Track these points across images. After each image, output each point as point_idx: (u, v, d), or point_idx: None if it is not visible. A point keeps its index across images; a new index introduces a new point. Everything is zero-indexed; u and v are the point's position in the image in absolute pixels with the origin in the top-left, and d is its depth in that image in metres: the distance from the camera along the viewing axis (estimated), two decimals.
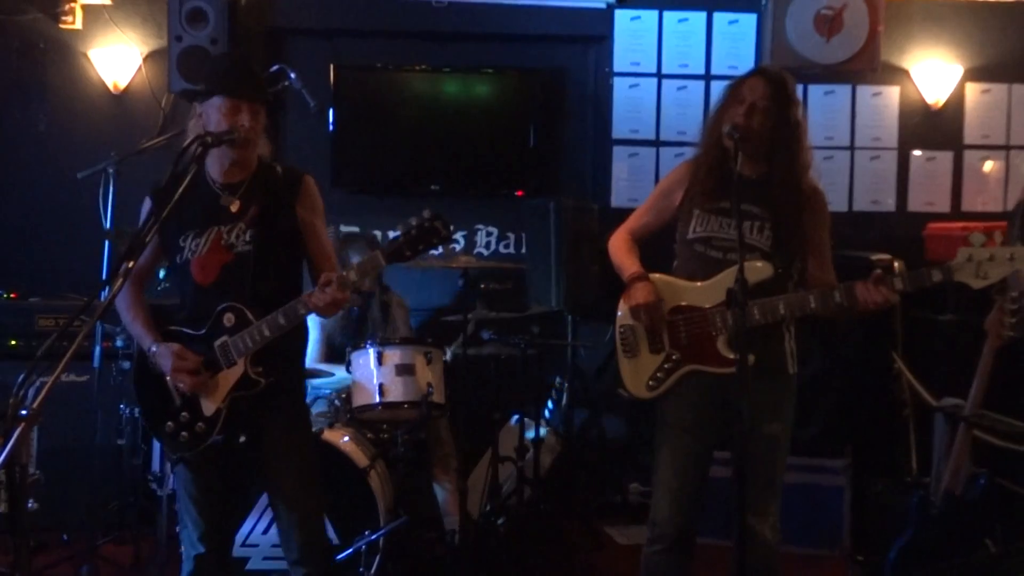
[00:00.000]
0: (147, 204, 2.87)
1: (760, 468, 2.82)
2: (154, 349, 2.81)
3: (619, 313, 3.05)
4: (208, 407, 2.80)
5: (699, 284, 2.93)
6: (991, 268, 2.60)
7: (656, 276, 3.00)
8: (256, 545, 3.69)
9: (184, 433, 2.81)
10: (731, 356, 2.84)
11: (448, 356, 4.25)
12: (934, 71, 5.51)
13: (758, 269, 2.80)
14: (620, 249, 3.11)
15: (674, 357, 2.94)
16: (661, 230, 3.12)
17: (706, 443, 2.99)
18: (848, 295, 2.72)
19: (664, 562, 2.98)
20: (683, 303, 2.94)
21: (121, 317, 2.95)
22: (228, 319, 2.76)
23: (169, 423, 2.83)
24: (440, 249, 4.71)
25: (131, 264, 2.31)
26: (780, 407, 2.93)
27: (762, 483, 2.85)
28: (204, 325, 2.80)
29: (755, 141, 2.83)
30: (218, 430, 2.79)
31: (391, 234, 5.22)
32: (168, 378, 2.80)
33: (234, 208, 2.80)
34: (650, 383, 2.98)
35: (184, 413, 2.81)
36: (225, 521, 2.96)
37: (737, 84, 2.94)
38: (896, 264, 4.68)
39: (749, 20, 5.46)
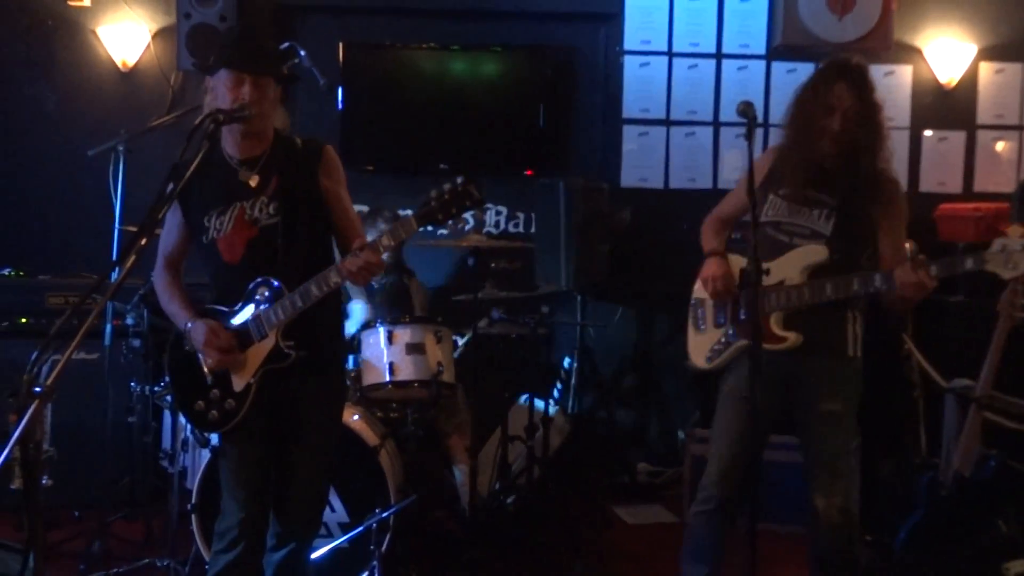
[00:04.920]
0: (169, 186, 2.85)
1: (820, 445, 2.96)
2: (190, 326, 2.80)
3: (695, 287, 3.23)
4: (238, 383, 2.79)
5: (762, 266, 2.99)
6: (1021, 259, 2.62)
7: (732, 255, 3.15)
8: None
9: (214, 412, 2.81)
10: (781, 334, 2.95)
11: (458, 347, 4.24)
12: (947, 50, 5.47)
13: (814, 251, 2.91)
14: (705, 229, 3.25)
15: (731, 332, 3.11)
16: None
17: (761, 417, 2.98)
18: (887, 279, 2.78)
19: (705, 523, 3.11)
20: None
21: (159, 300, 2.95)
22: (261, 293, 2.75)
23: (199, 402, 2.82)
24: (469, 220, 4.74)
25: (144, 242, 2.29)
26: (838, 386, 2.99)
27: (824, 460, 2.96)
28: (235, 302, 2.79)
29: (843, 143, 2.89)
30: (247, 406, 2.78)
31: (402, 213, 5.33)
32: (200, 355, 2.80)
33: (253, 183, 2.78)
34: (709, 355, 3.16)
35: (215, 391, 2.81)
36: (267, 494, 2.89)
37: (822, 88, 2.93)
38: (908, 245, 4.65)
39: None
